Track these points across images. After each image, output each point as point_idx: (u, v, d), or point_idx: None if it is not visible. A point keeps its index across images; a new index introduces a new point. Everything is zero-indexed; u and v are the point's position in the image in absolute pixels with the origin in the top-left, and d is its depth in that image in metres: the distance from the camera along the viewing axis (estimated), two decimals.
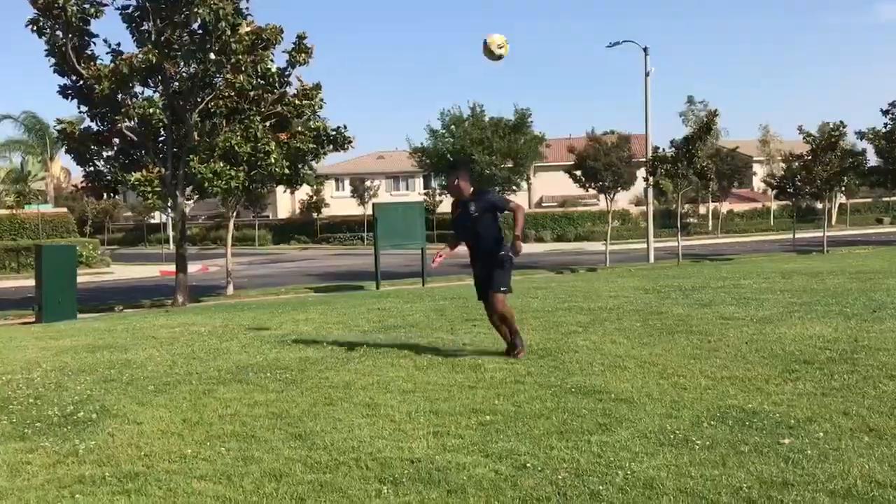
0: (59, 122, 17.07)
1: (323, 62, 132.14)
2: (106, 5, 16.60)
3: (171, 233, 59.41)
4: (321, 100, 18.51)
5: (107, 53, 17.39)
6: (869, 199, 63.16)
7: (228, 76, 16.17)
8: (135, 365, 7.81)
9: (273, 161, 16.89)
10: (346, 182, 58.53)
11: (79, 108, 17.65)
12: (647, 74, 31.10)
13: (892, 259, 20.84)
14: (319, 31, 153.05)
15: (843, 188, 37.32)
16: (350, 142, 18.53)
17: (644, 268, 25.29)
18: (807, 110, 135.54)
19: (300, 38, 17.69)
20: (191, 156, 16.70)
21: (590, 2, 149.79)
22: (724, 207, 55.20)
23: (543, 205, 58.75)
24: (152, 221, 61.07)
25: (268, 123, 17.77)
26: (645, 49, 31.11)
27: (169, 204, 17.79)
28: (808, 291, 12.48)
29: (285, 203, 63.45)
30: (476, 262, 7.37)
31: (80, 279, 30.63)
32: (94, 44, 17.04)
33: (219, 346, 8.92)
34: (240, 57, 16.10)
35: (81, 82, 16.94)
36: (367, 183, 55.57)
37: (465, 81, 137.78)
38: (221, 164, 16.52)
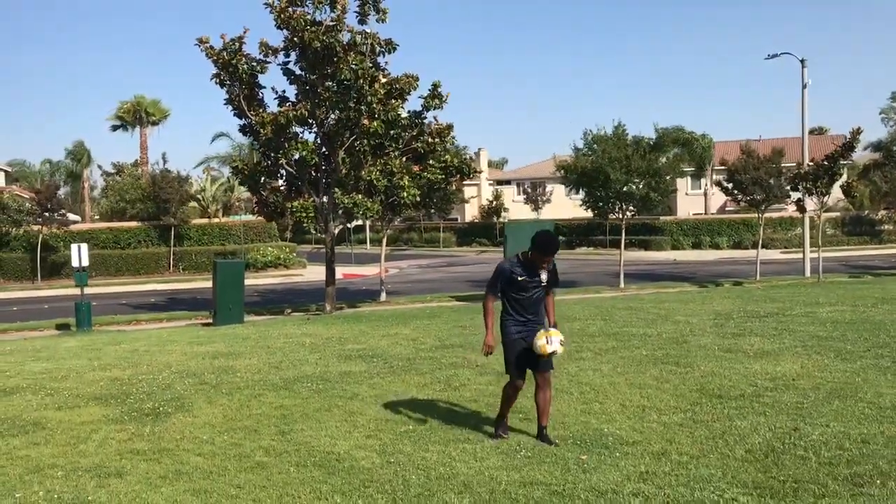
0: (233, 160, 20.73)
1: (508, 62, 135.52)
2: (269, 63, 20.06)
3: (368, 234, 64.84)
4: (453, 137, 21.15)
5: (274, 99, 20.92)
6: None
7: (364, 122, 19.03)
8: (232, 371, 10.63)
9: (405, 195, 19.60)
10: (527, 186, 60.80)
11: (252, 144, 21.26)
12: (804, 87, 30.83)
13: None
14: (500, 28, 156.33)
15: None
16: (476, 171, 20.87)
17: (779, 284, 25.57)
18: None
19: (435, 86, 20.38)
20: (336, 188, 19.77)
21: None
22: None
23: (727, 209, 57.86)
24: (356, 223, 66.37)
25: (404, 158, 20.51)
26: (802, 61, 30.86)
27: (322, 226, 21.08)
28: (855, 324, 13.28)
29: (472, 208, 66.82)
30: (521, 329, 6.80)
31: (274, 280, 35.62)
32: (262, 94, 20.57)
33: (303, 357, 11.60)
34: (374, 106, 18.93)
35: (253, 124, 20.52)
36: (547, 188, 57.43)
37: (636, 90, 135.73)
38: (360, 196, 19.46)
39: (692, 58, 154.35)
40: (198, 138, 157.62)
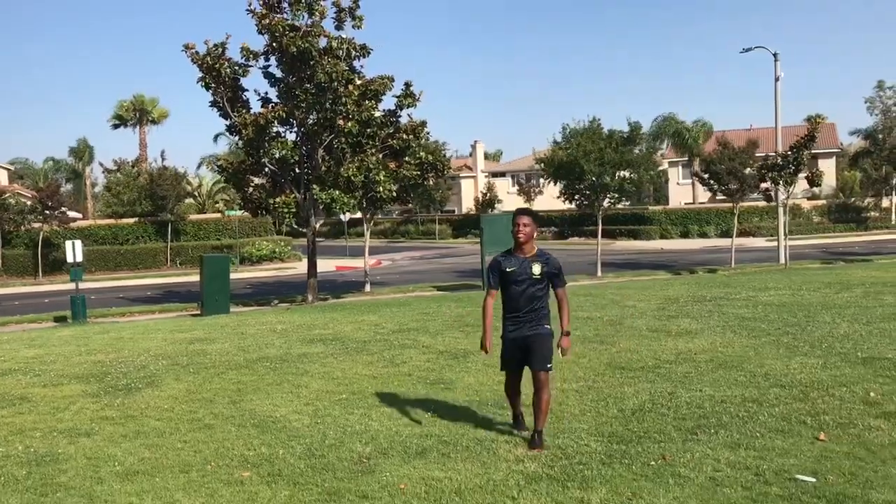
0: (218, 158, 21.90)
1: (505, 56, 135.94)
2: (251, 66, 21.22)
3: (366, 227, 65.93)
4: (427, 133, 22.24)
5: (257, 101, 22.09)
6: None
7: (340, 122, 20.19)
8: (203, 354, 11.79)
9: (381, 189, 20.77)
10: (521, 178, 61.91)
11: (237, 143, 22.44)
12: (776, 79, 31.87)
13: None
14: (496, 28, 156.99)
15: None
16: (449, 168, 22.01)
17: (748, 271, 26.66)
18: None
19: (407, 85, 21.55)
20: (314, 185, 20.94)
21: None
22: None
23: (717, 198, 58.80)
24: (354, 216, 67.56)
25: (381, 155, 21.65)
26: (775, 55, 31.87)
27: (303, 222, 22.25)
28: (785, 306, 14.36)
29: (468, 200, 67.91)
30: (514, 328, 6.68)
31: (267, 273, 36.79)
32: (246, 97, 21.72)
33: (270, 341, 12.76)
34: (349, 107, 20.08)
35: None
36: (540, 180, 58.42)
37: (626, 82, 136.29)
38: (337, 192, 20.62)
39: (691, 48, 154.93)
40: (197, 136, 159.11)
